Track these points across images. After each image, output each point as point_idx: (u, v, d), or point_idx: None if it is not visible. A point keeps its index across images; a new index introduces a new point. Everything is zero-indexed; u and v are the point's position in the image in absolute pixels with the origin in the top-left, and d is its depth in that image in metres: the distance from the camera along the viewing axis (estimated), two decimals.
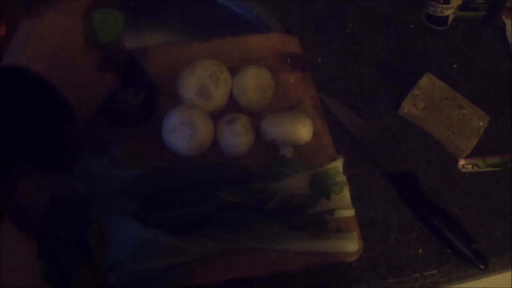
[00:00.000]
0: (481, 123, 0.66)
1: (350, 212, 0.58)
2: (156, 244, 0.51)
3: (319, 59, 0.72)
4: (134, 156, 0.59)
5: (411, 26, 0.78)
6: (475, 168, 0.65)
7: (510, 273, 0.63)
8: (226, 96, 0.62)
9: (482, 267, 0.58)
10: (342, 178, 0.59)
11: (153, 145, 0.61)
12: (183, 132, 0.58)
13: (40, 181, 0.59)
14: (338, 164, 0.59)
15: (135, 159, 0.58)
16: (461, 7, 0.76)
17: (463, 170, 0.65)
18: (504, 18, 0.80)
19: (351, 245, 0.56)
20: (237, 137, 0.58)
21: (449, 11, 0.76)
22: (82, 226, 0.52)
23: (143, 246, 0.51)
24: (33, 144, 0.60)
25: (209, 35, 0.70)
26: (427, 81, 0.69)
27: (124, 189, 0.56)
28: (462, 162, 0.66)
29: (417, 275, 0.58)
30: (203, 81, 0.60)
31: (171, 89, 0.64)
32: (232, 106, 0.63)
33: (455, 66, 0.74)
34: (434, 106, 0.67)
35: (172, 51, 0.68)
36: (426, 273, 0.58)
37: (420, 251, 0.59)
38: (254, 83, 0.61)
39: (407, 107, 0.67)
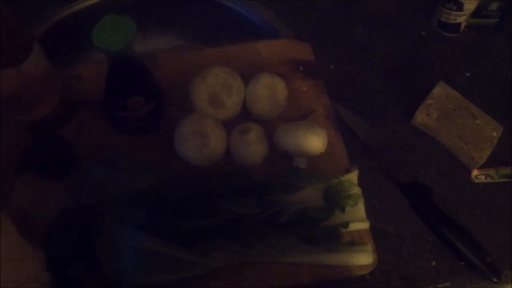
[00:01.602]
0: (494, 134, 0.65)
1: (364, 225, 0.57)
2: (167, 257, 0.50)
3: (331, 66, 0.71)
4: (143, 166, 0.57)
5: (423, 33, 0.77)
6: (488, 179, 0.65)
7: None
8: (238, 105, 0.61)
9: (495, 280, 0.57)
10: (357, 190, 0.58)
11: (163, 154, 0.60)
12: (196, 141, 0.56)
13: (46, 190, 0.58)
14: (353, 176, 0.58)
15: (144, 168, 0.57)
16: (473, 14, 0.76)
17: (476, 180, 0.65)
18: None
19: (365, 259, 0.55)
20: (250, 147, 0.57)
21: (461, 18, 0.75)
22: (90, 237, 0.51)
23: (153, 258, 0.50)
24: (39, 153, 0.59)
25: (218, 40, 0.69)
26: (440, 90, 0.68)
27: (133, 199, 0.55)
28: (475, 172, 0.65)
29: (430, 287, 0.57)
30: (215, 89, 0.59)
31: (181, 96, 0.63)
32: (244, 114, 0.62)
33: (467, 74, 0.73)
34: (448, 116, 0.66)
35: (181, 57, 0.67)
36: (439, 286, 0.57)
37: (433, 263, 0.59)
38: (267, 92, 0.60)
39: (420, 117, 0.66)
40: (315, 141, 0.58)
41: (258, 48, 0.68)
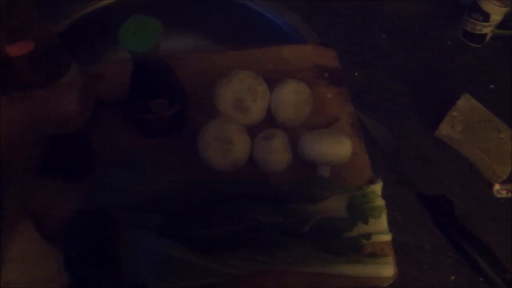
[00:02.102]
0: None
1: (387, 237, 0.57)
2: (187, 263, 0.50)
3: (356, 74, 0.70)
4: (164, 169, 0.57)
5: (448, 42, 0.76)
6: (510, 194, 0.64)
7: None
8: (263, 110, 0.60)
9: None
10: (380, 202, 0.57)
11: (184, 157, 0.59)
12: (219, 147, 0.56)
13: (65, 191, 0.57)
14: (378, 188, 0.58)
15: (164, 172, 0.57)
16: (499, 25, 0.75)
17: (498, 195, 0.64)
18: None
19: (387, 271, 0.55)
20: (275, 154, 0.56)
21: (487, 29, 0.74)
22: (108, 240, 0.51)
23: (173, 264, 0.50)
24: (58, 154, 0.58)
25: (241, 43, 0.68)
26: (465, 102, 0.67)
27: (152, 203, 0.54)
28: (496, 187, 0.64)
29: None
30: (240, 94, 0.58)
31: (204, 98, 0.62)
32: (268, 120, 0.61)
33: (491, 86, 0.73)
34: (472, 128, 0.65)
35: (204, 59, 0.66)
36: None
37: (452, 277, 0.58)
38: (293, 98, 0.59)
39: (445, 129, 0.66)
40: (340, 151, 0.57)
41: (283, 53, 0.67)
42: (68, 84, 0.55)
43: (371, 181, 0.60)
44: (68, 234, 0.53)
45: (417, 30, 0.78)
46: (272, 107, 0.60)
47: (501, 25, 0.75)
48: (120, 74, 0.64)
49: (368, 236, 0.56)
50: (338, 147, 0.57)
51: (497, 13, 0.72)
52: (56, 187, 0.58)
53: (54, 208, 0.57)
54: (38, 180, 0.58)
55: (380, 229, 0.57)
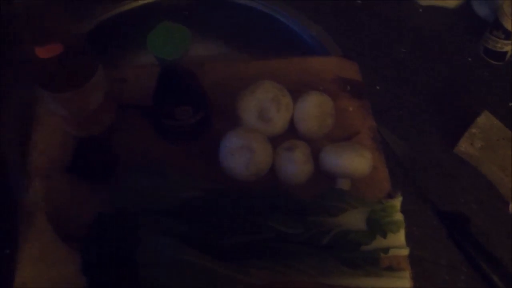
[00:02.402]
0: None
1: (404, 251, 0.57)
2: (207, 271, 0.50)
3: (377, 87, 0.70)
4: (186, 176, 0.57)
5: (469, 59, 0.77)
6: None
7: None
8: (286, 122, 0.60)
9: None
10: (399, 217, 0.57)
11: (205, 165, 0.60)
12: (242, 156, 0.56)
13: (86, 193, 0.58)
14: (397, 202, 0.58)
15: (187, 179, 0.57)
16: None
17: None
18: None
19: (403, 285, 0.55)
20: (297, 165, 0.57)
21: (508, 47, 0.74)
22: (129, 244, 0.51)
23: (193, 271, 0.50)
24: (81, 155, 0.59)
25: (264, 51, 0.68)
26: (484, 119, 0.67)
27: (175, 210, 0.55)
28: None
29: None
30: (264, 104, 0.59)
31: (226, 107, 0.63)
32: (290, 131, 0.62)
33: (510, 104, 0.73)
34: (491, 146, 0.66)
35: (228, 67, 0.67)
36: None
37: None
38: (316, 110, 0.60)
39: (464, 145, 0.66)
40: (361, 164, 0.57)
41: (306, 64, 0.67)
42: (93, 88, 0.56)
43: (390, 195, 0.61)
44: (88, 237, 0.53)
45: (439, 45, 0.79)
46: (295, 118, 0.61)
47: None
48: (143, 78, 0.66)
49: (386, 250, 0.57)
50: (359, 161, 0.57)
51: None
52: (77, 190, 0.59)
53: (73, 210, 0.58)
54: (59, 181, 0.59)
55: (397, 243, 0.58)
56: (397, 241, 0.58)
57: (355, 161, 0.57)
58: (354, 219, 0.57)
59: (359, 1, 0.80)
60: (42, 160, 0.61)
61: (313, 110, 0.60)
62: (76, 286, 0.52)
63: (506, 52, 0.75)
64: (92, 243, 0.52)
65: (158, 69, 0.56)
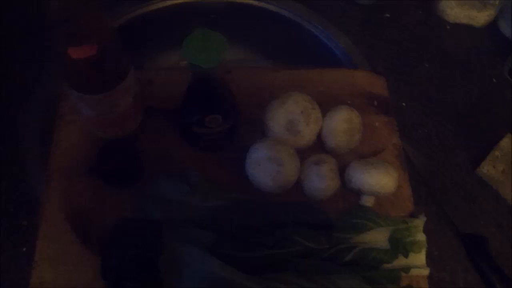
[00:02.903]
0: None
1: (424, 271, 0.57)
2: (232, 284, 0.50)
3: (403, 104, 0.70)
4: (213, 185, 0.57)
5: (494, 80, 0.77)
6: None
7: None
8: (314, 135, 0.60)
9: None
10: (422, 237, 0.58)
11: (230, 174, 0.59)
12: (269, 167, 0.56)
13: (108, 197, 0.57)
14: (420, 222, 0.58)
15: (214, 188, 0.57)
16: None
17: None
18: None
19: None
20: (324, 180, 0.57)
21: None
22: (152, 251, 0.50)
23: (218, 283, 0.50)
24: (106, 158, 0.58)
25: (289, 60, 0.68)
26: (507, 142, 0.67)
27: (201, 219, 0.54)
28: None
29: None
30: (294, 116, 0.58)
31: (253, 115, 0.62)
32: (316, 144, 0.61)
33: None
34: None
35: (256, 75, 0.66)
36: None
37: None
38: (344, 126, 0.59)
39: (486, 168, 0.66)
40: (388, 182, 0.57)
41: (336, 76, 0.67)
42: (124, 90, 0.55)
43: (412, 214, 0.61)
44: (110, 241, 0.52)
45: (464, 64, 0.79)
46: (323, 132, 0.61)
47: None
48: (170, 82, 0.65)
49: (407, 269, 0.57)
50: (386, 179, 0.57)
51: None
52: (99, 192, 0.58)
53: (94, 213, 0.57)
54: (81, 182, 0.58)
55: (418, 263, 0.58)
56: (418, 260, 0.58)
57: (383, 179, 0.57)
58: (377, 237, 0.57)
59: (388, 15, 0.80)
60: (63, 160, 0.60)
61: (343, 125, 0.59)
62: None
63: None
64: (113, 248, 0.51)
65: (185, 72, 0.55)
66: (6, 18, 0.77)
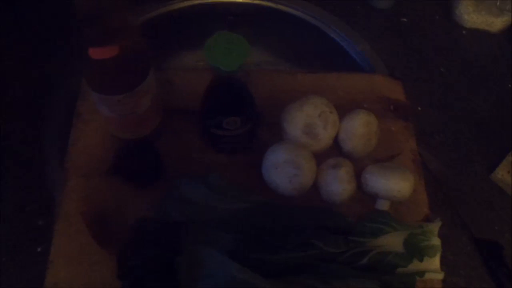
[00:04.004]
0: None
1: (438, 276, 0.58)
2: (249, 286, 0.50)
3: (419, 108, 0.70)
4: (233, 187, 0.57)
5: (510, 85, 0.77)
6: None
7: None
8: (331, 138, 0.60)
9: None
10: (437, 242, 0.58)
11: (250, 176, 0.59)
12: (287, 170, 0.56)
13: (126, 197, 0.58)
14: (436, 227, 0.58)
15: (235, 190, 0.57)
16: None
17: None
18: None
19: None
20: (341, 184, 0.57)
21: None
22: (171, 252, 0.50)
23: (237, 286, 0.49)
24: (127, 158, 0.59)
25: (308, 63, 0.68)
26: None
27: (221, 222, 0.55)
28: None
29: None
30: (312, 120, 0.59)
31: (271, 118, 0.63)
32: (333, 148, 0.62)
33: None
34: None
35: (274, 78, 0.67)
36: None
37: None
38: (362, 130, 0.60)
39: (501, 173, 0.66)
40: (405, 187, 0.57)
41: (353, 81, 0.67)
42: (144, 91, 0.55)
43: (427, 219, 0.61)
44: (127, 242, 0.52)
45: (480, 70, 0.79)
46: (340, 136, 0.61)
47: None
48: (189, 82, 0.66)
49: (421, 273, 0.57)
50: (403, 184, 0.57)
51: None
52: (117, 193, 0.58)
53: (112, 213, 0.57)
54: (98, 182, 0.59)
55: (432, 267, 0.58)
56: (432, 265, 0.58)
57: (400, 184, 0.57)
58: (393, 242, 0.57)
59: (404, 19, 0.80)
60: (81, 159, 0.60)
61: (360, 129, 0.60)
62: None
63: None
64: (132, 248, 0.51)
65: (205, 73, 0.55)
66: (30, 17, 0.78)
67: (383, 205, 0.60)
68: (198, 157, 0.61)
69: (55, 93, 0.70)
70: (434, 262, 0.58)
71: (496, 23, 0.81)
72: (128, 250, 0.52)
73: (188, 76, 0.66)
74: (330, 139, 0.61)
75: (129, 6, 0.51)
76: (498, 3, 0.82)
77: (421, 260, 0.57)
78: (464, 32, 0.82)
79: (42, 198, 0.63)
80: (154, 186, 0.58)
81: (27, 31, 0.76)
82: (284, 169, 0.56)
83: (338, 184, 0.57)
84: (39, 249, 0.59)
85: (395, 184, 0.57)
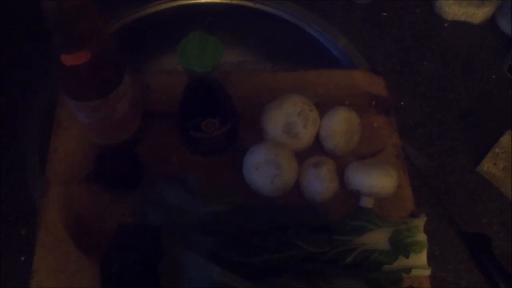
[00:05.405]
0: None
1: (426, 272, 0.57)
2: None
3: (402, 103, 0.70)
4: (213, 189, 0.57)
5: (493, 76, 0.76)
6: None
7: None
8: (312, 137, 0.60)
9: None
10: (422, 237, 0.57)
11: (232, 178, 0.59)
12: (268, 171, 0.55)
13: (107, 203, 0.57)
14: (421, 223, 0.57)
15: (215, 192, 0.56)
16: None
17: None
18: None
19: None
20: (323, 182, 0.56)
21: None
22: (152, 257, 0.49)
23: None
24: (105, 164, 0.58)
25: (288, 61, 0.67)
26: (508, 139, 0.67)
27: (202, 224, 0.54)
28: None
29: None
30: (291, 119, 0.58)
31: (251, 118, 0.62)
32: (315, 146, 0.61)
33: None
34: None
35: (254, 78, 0.66)
36: None
37: None
38: (343, 127, 0.59)
39: (487, 165, 0.66)
40: (388, 183, 0.57)
41: (334, 77, 0.66)
42: (120, 96, 0.54)
43: (413, 214, 0.60)
44: (108, 248, 0.51)
45: (463, 62, 0.78)
46: (321, 134, 0.60)
47: None
48: (168, 85, 0.65)
49: (408, 270, 0.56)
50: (386, 180, 0.57)
51: None
52: (97, 199, 0.58)
53: (94, 221, 0.57)
54: (79, 189, 0.58)
55: (419, 263, 0.57)
56: (419, 261, 0.57)
57: (382, 181, 0.57)
58: (378, 239, 0.56)
59: (385, 14, 0.79)
60: (61, 167, 0.60)
61: (341, 126, 0.59)
62: None
63: None
64: (112, 255, 0.51)
65: (183, 76, 0.54)
66: (8, 21, 0.77)
67: (366, 202, 0.59)
68: (178, 160, 0.60)
69: (35, 100, 0.69)
70: (420, 258, 0.57)
71: (477, 14, 0.80)
72: (108, 256, 0.52)
73: (167, 79, 0.65)
74: (311, 137, 0.60)
75: (101, 11, 0.50)
76: None
77: (407, 257, 0.56)
78: (446, 24, 0.82)
79: (24, 208, 0.62)
80: (135, 191, 0.58)
81: (5, 37, 0.76)
82: (265, 170, 0.55)
83: (320, 182, 0.56)
84: (22, 258, 0.59)
85: (377, 181, 0.57)
